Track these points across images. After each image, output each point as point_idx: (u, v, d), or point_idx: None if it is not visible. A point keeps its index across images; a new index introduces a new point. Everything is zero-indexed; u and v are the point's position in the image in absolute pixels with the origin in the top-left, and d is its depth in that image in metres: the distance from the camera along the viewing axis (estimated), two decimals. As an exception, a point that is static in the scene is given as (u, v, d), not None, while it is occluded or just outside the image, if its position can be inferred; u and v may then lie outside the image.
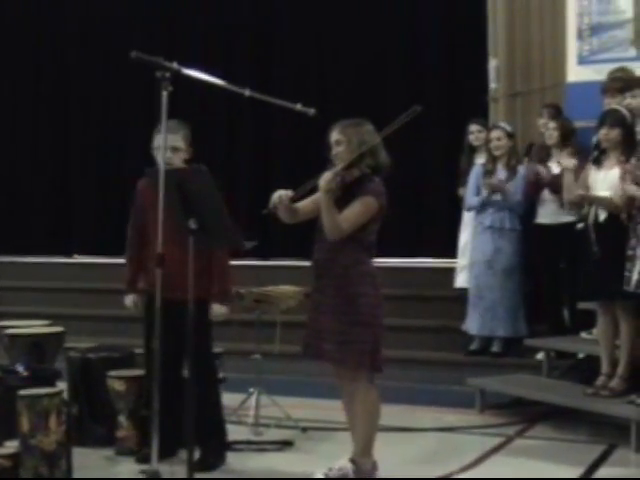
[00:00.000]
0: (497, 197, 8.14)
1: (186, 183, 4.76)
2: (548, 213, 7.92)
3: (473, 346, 8.52)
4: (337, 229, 5.02)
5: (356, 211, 5.05)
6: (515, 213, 8.18)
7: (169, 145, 5.54)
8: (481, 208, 8.26)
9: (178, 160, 5.66)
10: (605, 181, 6.45)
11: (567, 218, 7.64)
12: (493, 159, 8.25)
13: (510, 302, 8.19)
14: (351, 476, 5.19)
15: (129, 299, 5.86)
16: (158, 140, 5.43)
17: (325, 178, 4.97)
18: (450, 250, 9.24)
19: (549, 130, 7.89)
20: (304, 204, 5.25)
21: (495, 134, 8.24)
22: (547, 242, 7.88)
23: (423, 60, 10.75)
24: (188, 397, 4.68)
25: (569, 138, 7.77)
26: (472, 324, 8.35)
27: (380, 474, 5.28)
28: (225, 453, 5.76)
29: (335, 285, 5.10)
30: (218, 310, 5.67)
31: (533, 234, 8.11)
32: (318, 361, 5.26)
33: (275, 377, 7.17)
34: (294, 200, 5.12)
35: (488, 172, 8.26)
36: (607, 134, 6.45)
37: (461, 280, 8.71)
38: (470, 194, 8.35)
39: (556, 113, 8.31)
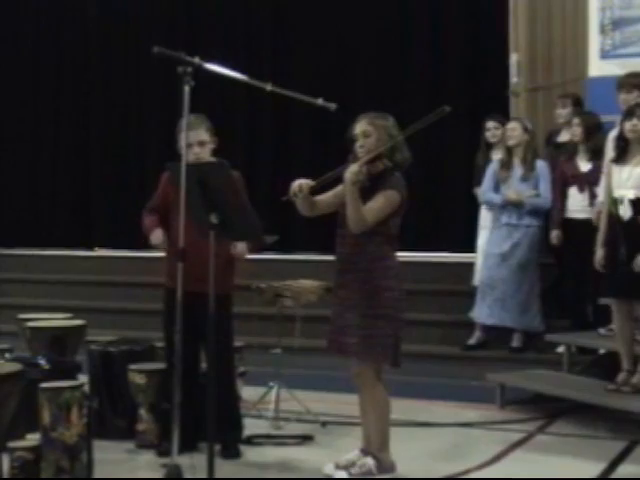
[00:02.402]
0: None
1: (207, 178, 4.76)
2: (576, 208, 7.89)
3: (472, 341, 8.61)
4: (361, 221, 5.02)
5: (379, 204, 5.06)
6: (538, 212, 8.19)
7: (196, 140, 5.59)
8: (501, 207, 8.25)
9: (207, 153, 5.69)
10: (630, 179, 6.33)
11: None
12: (509, 152, 8.23)
13: (522, 295, 8.18)
14: (374, 472, 5.20)
15: (155, 235, 5.72)
16: (186, 137, 5.41)
17: (352, 170, 4.97)
18: (468, 245, 9.24)
19: (573, 126, 7.88)
20: (324, 197, 5.26)
21: (511, 125, 8.24)
22: (575, 236, 7.84)
23: (444, 55, 10.73)
24: (210, 391, 4.69)
25: (594, 133, 7.73)
26: (481, 312, 8.35)
27: (399, 469, 5.29)
28: (239, 446, 5.80)
29: (359, 279, 5.11)
30: (241, 247, 5.64)
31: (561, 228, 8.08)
32: (341, 356, 5.27)
33: (295, 371, 7.16)
34: (314, 191, 5.12)
35: (504, 165, 8.25)
36: (636, 125, 6.35)
37: (479, 278, 8.71)
38: (487, 189, 8.32)
39: (576, 104, 8.30)
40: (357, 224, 5.04)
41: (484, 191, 8.40)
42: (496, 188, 8.30)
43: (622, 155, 6.45)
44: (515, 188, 8.14)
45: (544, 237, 8.24)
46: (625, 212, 6.34)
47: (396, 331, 5.15)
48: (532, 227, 8.21)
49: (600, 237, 6.59)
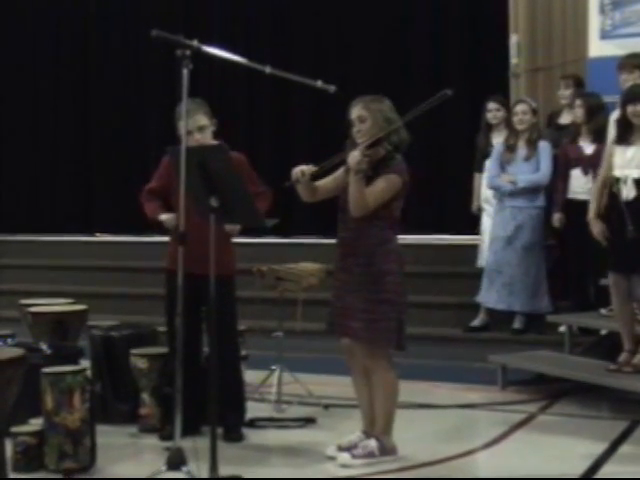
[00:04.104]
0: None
1: (207, 161, 4.75)
2: (579, 190, 7.88)
3: (475, 322, 8.66)
4: (363, 205, 5.02)
5: (380, 188, 5.06)
6: (540, 191, 8.19)
7: (195, 126, 5.56)
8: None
9: (208, 137, 5.68)
10: (634, 159, 6.32)
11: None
12: (516, 134, 8.22)
13: (530, 278, 8.19)
14: (377, 453, 5.22)
15: (167, 216, 5.66)
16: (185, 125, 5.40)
17: (354, 159, 4.96)
18: (469, 227, 9.23)
19: (575, 108, 7.88)
20: (325, 182, 5.26)
21: (521, 108, 8.20)
22: (576, 218, 7.83)
23: (444, 36, 10.72)
24: (212, 374, 4.70)
25: (596, 114, 7.71)
26: (489, 297, 8.36)
27: (401, 451, 5.30)
28: (242, 429, 5.82)
29: (361, 264, 5.11)
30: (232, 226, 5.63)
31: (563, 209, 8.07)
32: (343, 338, 5.28)
33: (297, 354, 7.18)
34: (315, 176, 5.12)
35: (510, 148, 8.24)
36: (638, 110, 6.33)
37: (483, 259, 8.72)
38: (494, 174, 8.31)
39: (578, 85, 8.28)
40: (358, 208, 5.04)
41: (491, 177, 8.39)
42: (501, 170, 8.29)
43: (626, 136, 6.43)
44: (512, 172, 8.17)
45: (547, 219, 8.23)
46: (629, 192, 6.33)
47: (400, 315, 5.16)
48: (536, 209, 8.22)
49: (592, 210, 6.62)
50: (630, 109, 6.34)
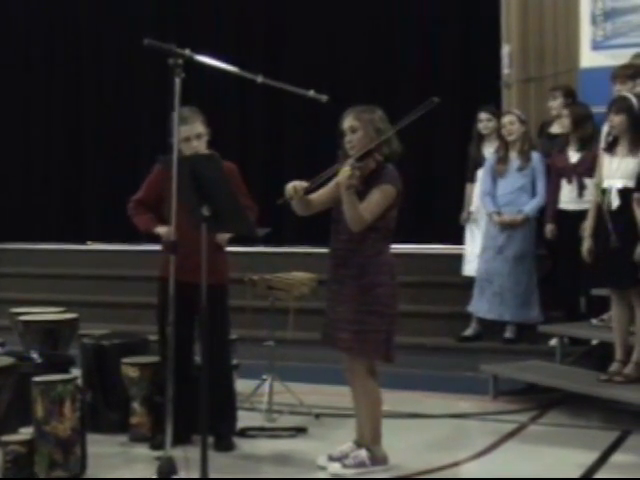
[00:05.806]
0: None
1: (199, 170, 4.75)
2: (566, 200, 7.89)
3: (467, 332, 8.67)
4: (360, 220, 5.02)
5: (375, 201, 5.05)
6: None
7: (194, 133, 5.59)
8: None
9: (203, 145, 5.69)
10: (619, 169, 6.38)
11: (586, 205, 7.61)
12: (506, 145, 8.24)
13: (520, 288, 8.20)
14: (367, 463, 5.22)
15: (161, 229, 5.64)
16: (183, 132, 5.41)
17: (344, 174, 4.94)
18: (460, 236, 9.25)
19: (562, 118, 7.91)
20: (319, 195, 5.23)
21: (508, 119, 8.23)
22: (566, 228, 7.84)
23: (437, 46, 10.73)
24: (203, 383, 4.69)
25: (581, 123, 7.74)
26: (480, 307, 8.38)
27: (393, 461, 5.30)
28: (233, 438, 5.82)
29: (354, 275, 5.11)
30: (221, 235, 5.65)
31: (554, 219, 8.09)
32: (335, 349, 5.27)
33: (288, 364, 7.18)
34: (309, 191, 5.10)
35: (501, 160, 8.26)
36: (612, 120, 6.42)
37: (469, 269, 8.74)
38: (486, 191, 8.32)
39: (566, 96, 8.30)
40: (356, 224, 5.03)
41: (483, 193, 8.41)
42: (493, 182, 8.31)
43: (613, 145, 6.49)
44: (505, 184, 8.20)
45: (538, 229, 8.24)
46: (613, 202, 6.37)
47: (389, 326, 5.15)
48: (528, 218, 8.23)
49: (587, 228, 6.64)
50: (609, 120, 6.42)
